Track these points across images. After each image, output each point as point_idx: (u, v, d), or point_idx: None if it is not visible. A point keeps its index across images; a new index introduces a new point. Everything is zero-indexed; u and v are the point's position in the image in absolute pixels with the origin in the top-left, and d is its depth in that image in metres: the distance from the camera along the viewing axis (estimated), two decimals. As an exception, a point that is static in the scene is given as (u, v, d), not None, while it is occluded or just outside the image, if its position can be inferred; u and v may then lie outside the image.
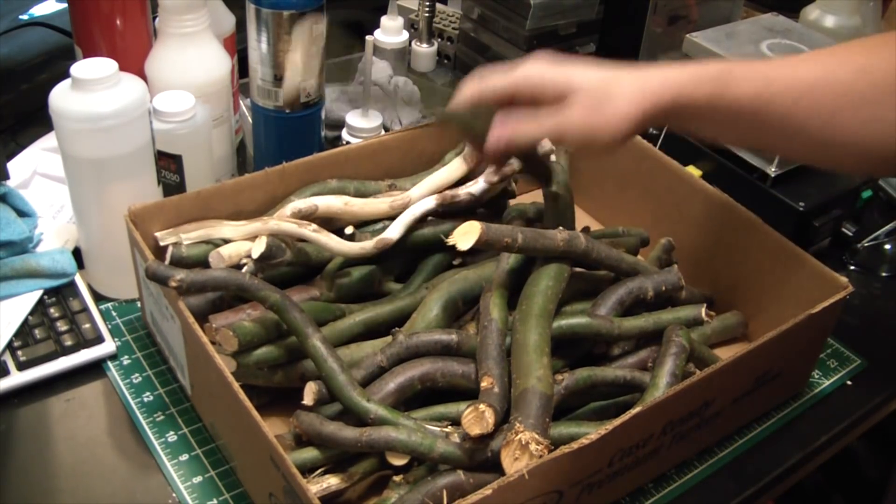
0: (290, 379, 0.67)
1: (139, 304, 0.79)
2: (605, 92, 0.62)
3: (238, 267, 0.71)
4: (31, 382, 0.71)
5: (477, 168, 0.80)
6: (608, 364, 0.71)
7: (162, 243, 0.69)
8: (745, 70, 0.62)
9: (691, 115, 0.63)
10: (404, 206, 0.80)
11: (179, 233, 0.70)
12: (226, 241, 0.72)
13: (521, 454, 0.56)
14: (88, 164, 0.73)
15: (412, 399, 0.66)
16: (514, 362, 0.63)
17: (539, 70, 0.64)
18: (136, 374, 0.74)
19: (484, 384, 0.62)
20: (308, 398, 0.63)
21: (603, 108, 0.61)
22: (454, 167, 0.84)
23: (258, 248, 0.68)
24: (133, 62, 0.83)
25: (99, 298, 0.80)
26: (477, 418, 0.58)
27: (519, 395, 0.60)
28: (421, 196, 0.81)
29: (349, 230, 0.77)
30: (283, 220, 0.71)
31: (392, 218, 0.80)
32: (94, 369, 0.74)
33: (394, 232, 0.76)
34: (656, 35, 1.06)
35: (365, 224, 0.80)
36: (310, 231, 0.71)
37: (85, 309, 0.76)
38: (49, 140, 0.93)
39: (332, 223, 0.78)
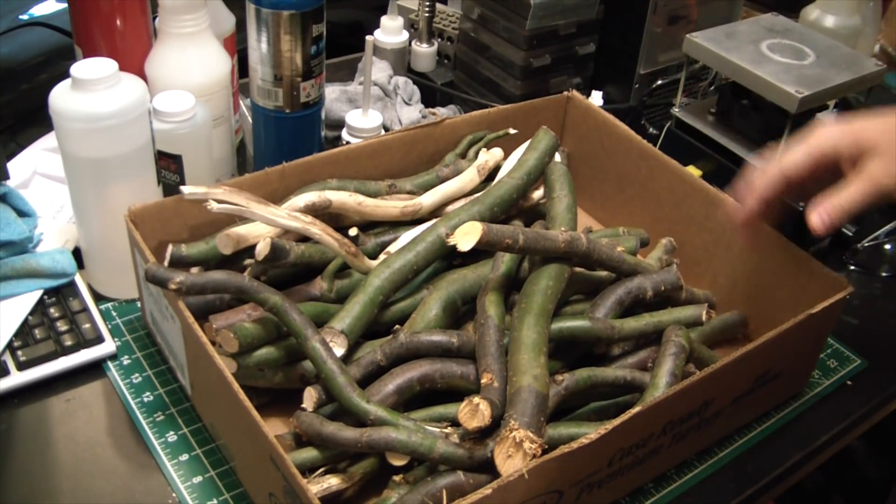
0: (290, 380, 0.67)
1: (139, 304, 0.79)
2: None
3: (240, 270, 0.71)
4: (31, 382, 0.71)
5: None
6: (608, 364, 0.71)
7: (186, 196, 0.67)
8: None
9: None
10: (415, 213, 0.80)
11: (209, 196, 0.67)
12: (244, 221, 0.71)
13: (515, 452, 0.56)
14: (88, 164, 0.73)
15: (411, 400, 0.66)
16: (510, 360, 0.63)
17: (831, 136, 0.65)
18: (136, 374, 0.74)
19: (484, 380, 0.62)
20: (308, 403, 0.63)
21: None
22: (468, 177, 0.84)
23: (262, 250, 0.68)
24: (133, 62, 0.83)
25: (99, 298, 0.80)
26: (472, 412, 0.58)
27: (514, 392, 0.60)
28: (433, 204, 0.82)
29: (353, 231, 0.77)
30: (310, 225, 0.71)
31: (401, 223, 0.80)
32: (94, 369, 0.74)
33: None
34: (656, 35, 1.06)
35: (371, 226, 0.80)
36: (346, 250, 0.72)
37: (85, 309, 0.76)
38: (49, 140, 0.93)
39: (338, 221, 0.78)
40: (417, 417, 0.64)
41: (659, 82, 1.09)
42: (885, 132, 0.64)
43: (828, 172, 0.66)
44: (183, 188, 0.67)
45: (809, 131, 0.66)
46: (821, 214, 0.63)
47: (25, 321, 0.74)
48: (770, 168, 0.67)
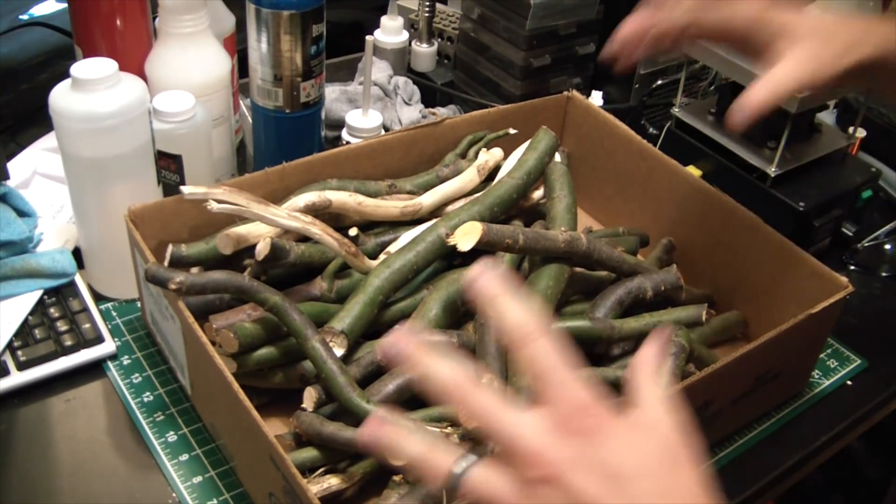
0: (290, 380, 0.67)
1: (139, 304, 0.79)
2: (832, 34, 0.60)
3: (240, 270, 0.71)
4: (31, 382, 0.71)
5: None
6: (608, 364, 0.71)
7: (186, 196, 0.67)
8: None
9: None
10: (415, 213, 0.80)
11: (209, 196, 0.67)
12: (244, 221, 0.71)
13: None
14: (88, 164, 0.73)
15: (411, 400, 0.66)
16: (510, 360, 0.63)
17: (756, 12, 0.62)
18: (136, 374, 0.74)
19: (484, 380, 0.61)
20: (308, 403, 0.63)
21: (834, 45, 0.60)
22: (468, 177, 0.84)
23: (262, 250, 0.68)
24: (133, 62, 0.83)
25: (99, 298, 0.80)
26: None
27: (514, 392, 0.59)
28: (433, 204, 0.82)
29: (353, 231, 0.77)
30: (311, 225, 0.71)
31: (401, 223, 0.80)
32: (94, 369, 0.74)
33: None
34: (656, 35, 1.06)
35: (371, 226, 0.80)
36: (346, 250, 0.72)
37: (85, 309, 0.76)
38: (49, 140, 0.93)
39: (338, 221, 0.78)
40: (417, 417, 0.64)
41: (659, 82, 1.09)
42: (819, 23, 0.61)
43: (736, 42, 0.63)
44: (183, 188, 0.67)
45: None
46: (759, 92, 0.59)
47: (25, 321, 0.74)
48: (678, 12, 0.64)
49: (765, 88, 0.59)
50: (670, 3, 0.65)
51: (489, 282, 0.42)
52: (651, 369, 0.47)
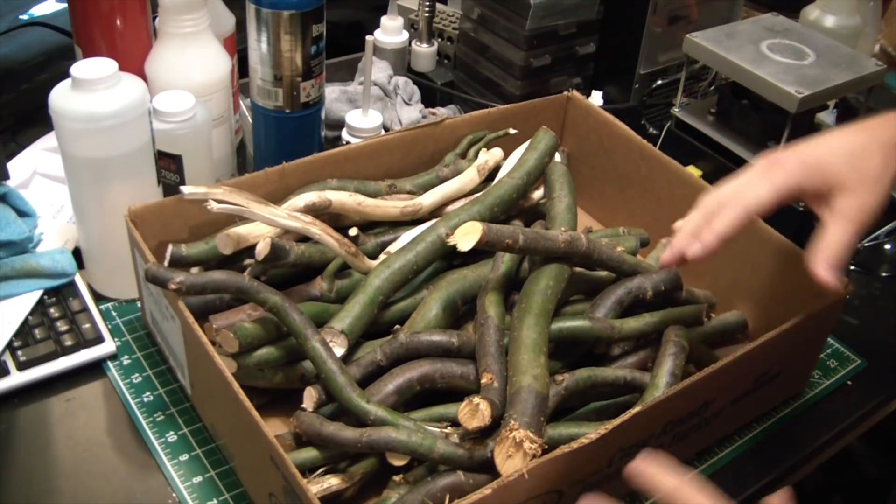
0: (290, 380, 0.67)
1: (139, 304, 0.79)
2: (866, 174, 0.62)
3: (240, 270, 0.71)
4: (31, 382, 0.71)
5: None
6: (608, 364, 0.71)
7: (186, 196, 0.67)
8: None
9: None
10: (415, 213, 0.80)
11: (209, 196, 0.67)
12: (244, 221, 0.71)
13: (515, 452, 0.56)
14: (88, 164, 0.73)
15: (411, 400, 0.66)
16: (510, 360, 0.63)
17: (796, 173, 0.63)
18: (136, 374, 0.74)
19: (484, 380, 0.62)
20: (308, 403, 0.63)
21: (875, 185, 0.62)
22: (468, 177, 0.85)
23: (262, 250, 0.68)
24: (133, 62, 0.83)
25: (99, 298, 0.80)
26: (472, 411, 0.58)
27: (514, 392, 0.60)
28: (433, 204, 0.82)
29: (353, 231, 0.77)
30: (310, 225, 0.71)
31: (401, 223, 0.80)
32: (94, 369, 0.74)
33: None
34: (656, 35, 1.06)
35: (371, 226, 0.80)
36: (346, 250, 0.72)
37: (85, 309, 0.76)
38: (49, 140, 0.93)
39: (338, 221, 0.78)
40: (417, 417, 0.64)
41: (659, 82, 1.09)
42: (849, 165, 0.62)
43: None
44: (183, 188, 0.67)
45: (769, 164, 0.64)
46: (827, 272, 0.61)
47: (25, 321, 0.74)
48: (734, 206, 0.63)
49: (823, 264, 0.61)
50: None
51: (649, 470, 0.52)
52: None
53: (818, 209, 0.64)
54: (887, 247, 0.95)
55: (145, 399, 0.72)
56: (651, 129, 1.06)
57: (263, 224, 0.71)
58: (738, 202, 0.63)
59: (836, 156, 0.63)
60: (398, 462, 0.61)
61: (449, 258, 0.78)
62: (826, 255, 0.61)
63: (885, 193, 0.62)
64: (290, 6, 0.80)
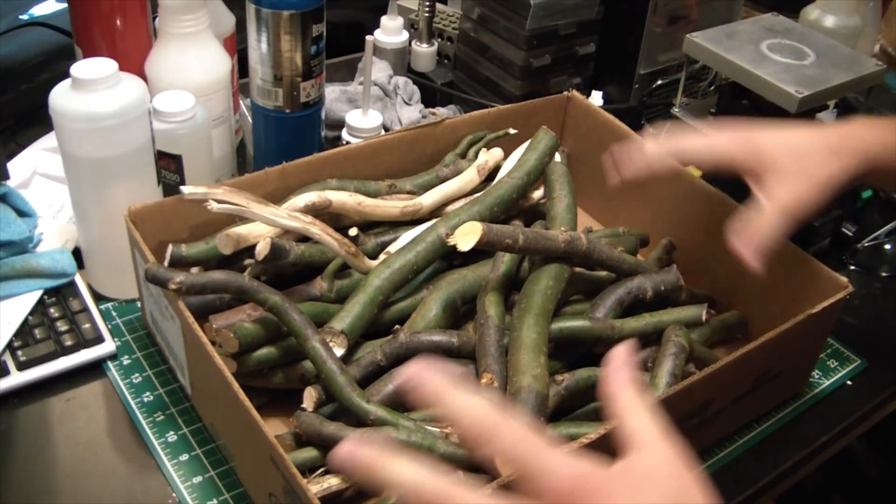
0: (290, 380, 0.67)
1: (139, 304, 0.79)
2: (803, 167, 0.65)
3: (240, 269, 0.71)
4: (31, 382, 0.71)
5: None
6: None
7: (186, 196, 0.67)
8: None
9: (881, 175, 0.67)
10: (415, 213, 0.80)
11: (209, 196, 0.68)
12: (244, 221, 0.71)
13: (516, 453, 0.56)
14: (88, 164, 0.73)
15: (412, 399, 0.66)
16: (510, 360, 0.63)
17: (730, 144, 0.66)
18: (136, 374, 0.74)
19: (484, 380, 0.62)
20: (308, 403, 0.63)
21: (808, 179, 0.64)
22: (468, 177, 0.84)
23: (262, 250, 0.68)
24: (133, 62, 0.83)
25: (99, 298, 0.80)
26: None
27: (514, 392, 0.60)
28: (433, 204, 0.82)
29: (353, 231, 0.77)
30: (311, 225, 0.71)
31: (401, 223, 0.80)
32: (94, 369, 0.74)
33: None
34: (656, 35, 1.06)
35: (371, 226, 0.80)
36: (346, 250, 0.72)
37: (85, 309, 0.76)
38: (49, 140, 0.93)
39: (338, 221, 0.78)
40: (417, 417, 0.64)
41: (659, 82, 1.09)
42: (791, 156, 0.65)
43: (724, 173, 0.68)
44: (183, 188, 0.67)
45: (720, 128, 0.67)
46: (754, 256, 0.64)
47: (25, 321, 0.74)
48: (667, 145, 0.68)
49: (752, 246, 0.64)
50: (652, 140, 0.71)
51: (431, 379, 0.41)
52: (628, 393, 0.45)
53: (754, 188, 0.66)
54: (887, 247, 0.95)
55: (145, 399, 0.72)
56: (651, 129, 1.06)
57: (263, 224, 0.71)
58: (673, 143, 0.68)
59: (781, 144, 0.66)
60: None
61: (449, 258, 0.78)
62: (757, 239, 0.64)
63: (820, 193, 0.65)
64: (290, 6, 0.80)
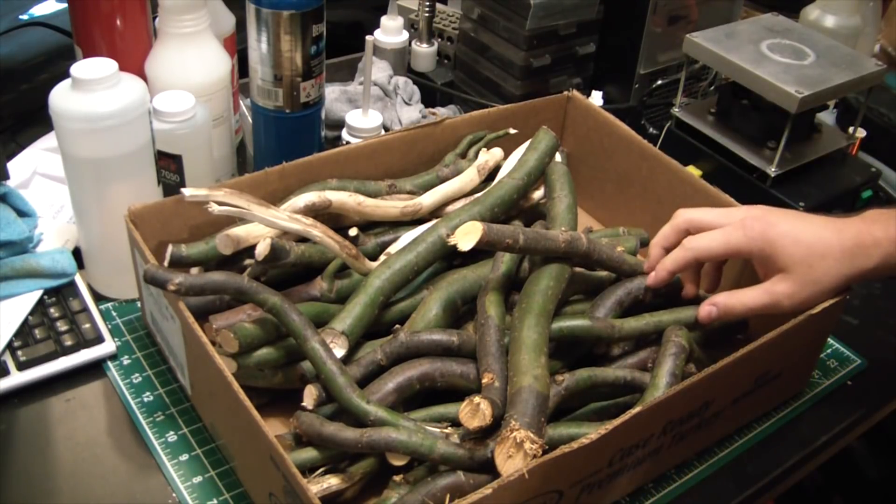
0: (290, 380, 0.67)
1: (139, 304, 0.79)
2: (812, 271, 0.67)
3: (240, 270, 0.71)
4: (31, 382, 0.71)
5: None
6: (608, 364, 0.71)
7: (187, 198, 0.67)
8: None
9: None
10: (415, 213, 0.80)
11: (210, 198, 0.68)
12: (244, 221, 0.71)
13: (516, 453, 0.56)
14: (88, 164, 0.73)
15: (411, 400, 0.66)
16: (511, 360, 0.63)
17: (750, 240, 0.69)
18: (136, 374, 0.74)
19: (485, 380, 0.62)
20: (308, 401, 0.63)
21: (814, 286, 0.67)
22: (468, 178, 0.84)
23: (262, 250, 0.68)
24: (133, 62, 0.83)
25: (99, 298, 0.80)
26: (473, 411, 0.58)
27: (515, 392, 0.60)
28: (433, 204, 0.82)
29: (353, 232, 0.77)
30: (311, 228, 0.71)
31: (401, 224, 0.80)
32: (94, 369, 0.74)
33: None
34: (656, 35, 1.06)
35: (371, 226, 0.80)
36: (346, 253, 0.72)
37: (85, 309, 0.76)
38: (49, 140, 0.93)
39: (338, 221, 0.78)
40: (417, 417, 0.64)
41: (659, 82, 1.09)
42: (803, 262, 0.67)
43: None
44: (184, 190, 0.67)
45: (738, 224, 0.69)
46: (711, 310, 0.70)
47: (25, 321, 0.74)
48: (687, 248, 0.71)
49: (718, 311, 0.70)
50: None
51: None
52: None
53: (761, 276, 0.70)
54: (887, 247, 0.95)
55: (145, 399, 0.72)
56: (651, 129, 1.06)
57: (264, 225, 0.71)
58: (692, 247, 0.71)
59: (796, 246, 0.67)
60: (398, 462, 0.61)
61: (449, 258, 0.78)
62: (728, 303, 0.69)
63: (824, 297, 0.68)
64: (290, 6, 0.80)
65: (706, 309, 0.70)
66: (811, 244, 0.67)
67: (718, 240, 0.70)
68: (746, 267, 0.79)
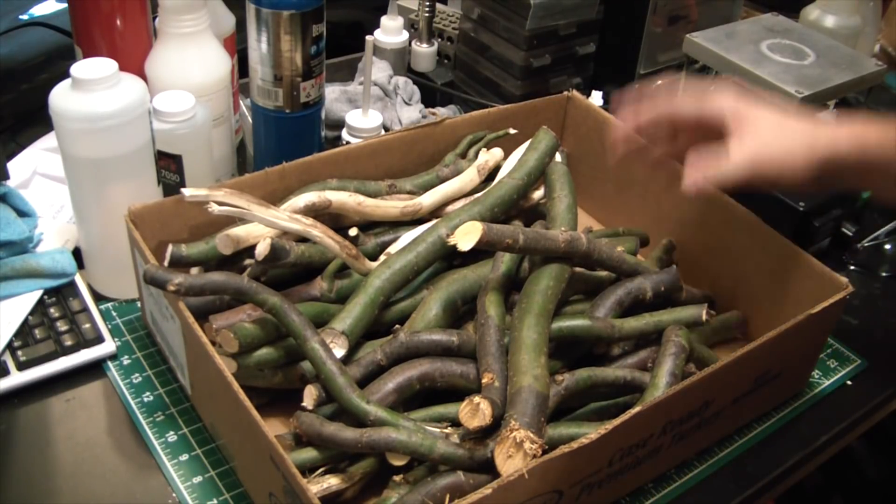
0: (290, 380, 0.67)
1: (139, 304, 0.79)
2: (784, 132, 0.67)
3: (240, 270, 0.71)
4: (31, 382, 0.71)
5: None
6: (608, 364, 0.71)
7: (187, 199, 0.67)
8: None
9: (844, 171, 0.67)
10: (415, 213, 0.80)
11: (210, 198, 0.68)
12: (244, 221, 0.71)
13: (515, 452, 0.56)
14: (88, 164, 0.73)
15: (411, 399, 0.66)
16: (511, 360, 0.63)
17: (723, 106, 0.68)
18: (136, 374, 0.74)
19: (485, 380, 0.62)
20: (308, 401, 0.63)
21: (785, 144, 0.66)
22: (468, 178, 0.85)
23: (262, 250, 0.68)
24: (133, 62, 0.83)
25: (99, 298, 0.80)
26: (473, 411, 0.58)
27: (515, 392, 0.60)
28: (433, 204, 0.82)
29: (353, 231, 0.77)
30: (311, 228, 0.71)
31: (401, 224, 0.80)
32: (94, 369, 0.74)
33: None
34: (656, 35, 1.06)
35: (371, 226, 0.80)
36: (346, 253, 0.72)
37: (85, 309, 0.76)
38: (49, 140, 0.93)
39: (338, 221, 0.78)
40: (417, 417, 0.64)
41: (659, 82, 1.09)
42: (773, 118, 0.67)
43: (704, 131, 0.70)
44: (184, 190, 0.67)
45: (711, 91, 0.69)
46: (696, 181, 0.67)
47: (25, 321, 0.74)
48: (661, 103, 0.70)
49: (706, 177, 0.67)
50: (650, 97, 0.72)
51: None
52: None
53: (729, 139, 0.67)
54: (887, 247, 0.95)
55: (145, 399, 0.72)
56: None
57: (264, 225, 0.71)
58: (666, 101, 0.71)
59: (769, 113, 0.67)
60: (398, 462, 0.61)
61: (449, 258, 0.78)
62: (711, 172, 0.66)
63: (793, 160, 0.66)
64: (290, 6, 0.80)
65: (692, 184, 0.67)
66: (786, 116, 0.68)
67: (693, 101, 0.70)
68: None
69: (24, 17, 1.20)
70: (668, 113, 0.71)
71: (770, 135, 0.67)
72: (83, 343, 0.73)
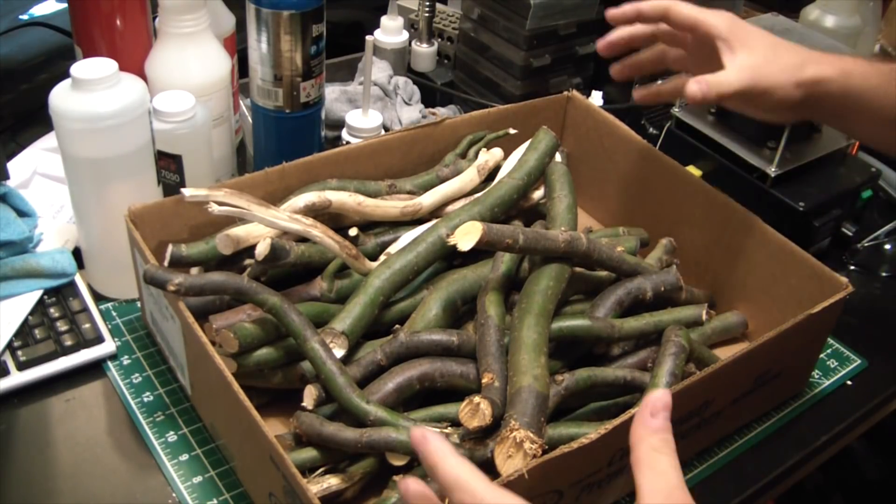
0: (290, 380, 0.67)
1: (139, 304, 0.79)
2: (776, 51, 0.70)
3: (240, 270, 0.71)
4: (31, 382, 0.71)
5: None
6: (608, 364, 0.71)
7: (187, 199, 0.67)
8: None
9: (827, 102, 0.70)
10: (415, 213, 0.80)
11: (210, 198, 0.68)
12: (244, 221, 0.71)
13: (515, 452, 0.56)
14: (88, 164, 0.73)
15: (411, 399, 0.66)
16: (511, 360, 0.63)
17: (720, 23, 0.70)
18: (136, 374, 0.74)
19: (485, 380, 0.62)
20: (308, 401, 0.63)
21: (778, 60, 0.69)
22: (468, 178, 0.84)
23: (262, 250, 0.68)
24: (133, 62, 0.83)
25: (99, 298, 0.80)
26: (473, 411, 0.58)
27: (514, 392, 0.60)
28: (433, 204, 0.82)
29: (353, 231, 0.77)
30: (311, 228, 0.71)
31: (401, 224, 0.80)
32: (94, 369, 0.74)
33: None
34: (656, 35, 1.06)
35: (371, 226, 0.80)
36: (346, 253, 0.72)
37: (85, 309, 0.76)
38: (49, 140, 0.93)
39: (338, 221, 0.78)
40: (417, 417, 0.64)
41: (659, 82, 1.09)
42: (767, 39, 0.70)
43: (695, 42, 0.73)
44: (184, 190, 0.67)
45: (715, 10, 0.71)
46: (701, 85, 0.67)
47: (25, 321, 0.74)
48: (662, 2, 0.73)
49: (705, 87, 0.67)
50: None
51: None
52: (650, 443, 0.45)
53: (722, 55, 0.70)
54: (887, 247, 0.95)
55: (145, 399, 0.72)
56: (651, 129, 1.06)
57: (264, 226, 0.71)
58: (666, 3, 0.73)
59: (764, 34, 0.71)
60: (398, 462, 0.61)
61: (449, 258, 0.78)
62: (711, 79, 0.68)
63: (786, 76, 0.69)
64: (290, 6, 0.80)
65: (696, 87, 0.67)
66: (776, 38, 0.71)
67: (693, 9, 0.71)
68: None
69: (24, 17, 1.20)
70: (666, 7, 0.72)
71: (764, 51, 0.69)
72: (83, 343, 0.73)
